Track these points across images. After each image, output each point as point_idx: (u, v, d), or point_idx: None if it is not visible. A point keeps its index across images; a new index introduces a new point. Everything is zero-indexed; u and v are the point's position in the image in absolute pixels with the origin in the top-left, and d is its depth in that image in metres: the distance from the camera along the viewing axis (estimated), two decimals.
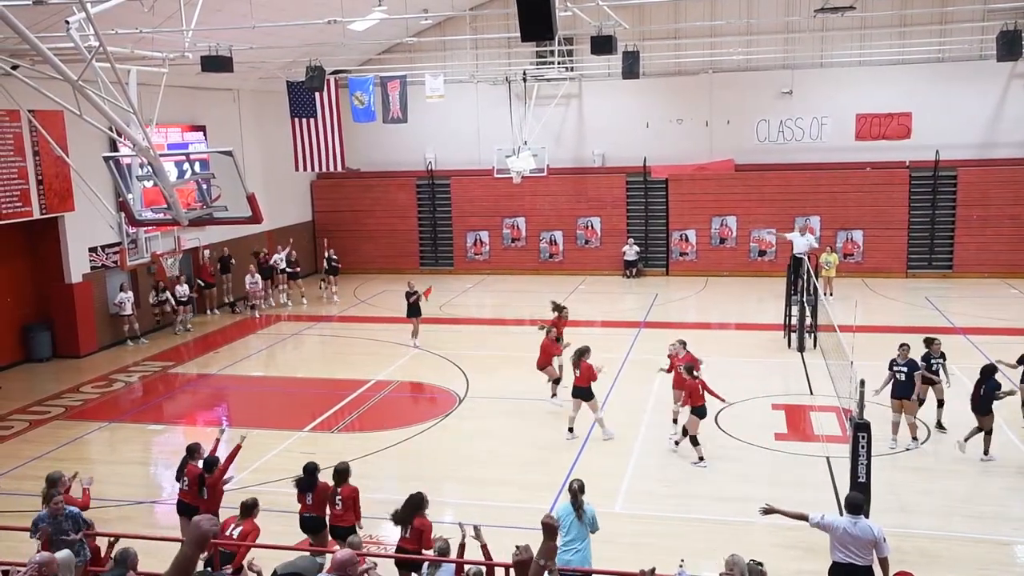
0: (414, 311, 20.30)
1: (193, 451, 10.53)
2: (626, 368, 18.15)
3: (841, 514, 8.63)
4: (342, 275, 27.57)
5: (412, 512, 8.96)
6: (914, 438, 13.52)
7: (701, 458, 13.00)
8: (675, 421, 14.07)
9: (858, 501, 8.46)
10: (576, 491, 8.87)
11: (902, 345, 13.64)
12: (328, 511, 9.84)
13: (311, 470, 9.99)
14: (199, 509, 10.07)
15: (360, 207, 31.03)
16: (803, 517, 8.47)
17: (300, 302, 25.92)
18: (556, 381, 15.77)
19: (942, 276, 27.13)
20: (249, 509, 9.35)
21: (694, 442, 13.07)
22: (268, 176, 27.23)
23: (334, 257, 26.72)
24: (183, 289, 22.63)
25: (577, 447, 13.82)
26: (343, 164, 25.96)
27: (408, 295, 20.32)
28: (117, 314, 21.53)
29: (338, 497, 9.73)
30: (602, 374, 14.38)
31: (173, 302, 22.47)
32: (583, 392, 14.06)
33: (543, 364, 15.72)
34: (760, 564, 7.84)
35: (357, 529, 9.71)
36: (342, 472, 9.87)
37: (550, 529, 6.38)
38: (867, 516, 8.39)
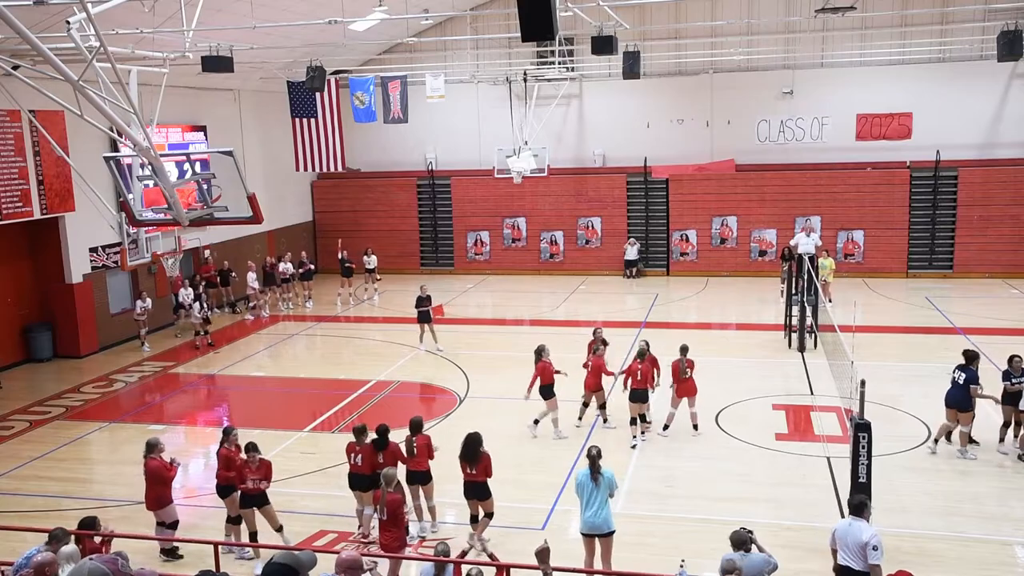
0: (424, 316, 20.24)
1: (228, 433, 11.01)
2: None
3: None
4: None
5: (477, 448, 10.36)
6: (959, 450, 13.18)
7: (635, 436, 13.92)
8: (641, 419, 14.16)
9: (857, 502, 8.42)
10: (595, 457, 9.45)
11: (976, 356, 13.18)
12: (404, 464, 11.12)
13: (383, 431, 11.03)
14: (233, 488, 10.77)
15: (361, 207, 31.05)
16: (834, 552, 8.44)
17: (303, 305, 25.89)
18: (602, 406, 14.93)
19: (943, 276, 27.13)
20: (360, 433, 10.95)
21: (634, 423, 13.98)
22: (269, 176, 27.26)
23: (348, 259, 26.42)
24: (187, 292, 22.51)
25: (578, 447, 13.81)
26: (343, 164, 25.98)
27: (420, 300, 20.19)
28: (136, 319, 21.50)
29: (414, 446, 11.02)
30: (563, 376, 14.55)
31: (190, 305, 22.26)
32: (546, 391, 14.23)
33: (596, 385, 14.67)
34: (750, 532, 7.94)
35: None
36: (417, 424, 11.17)
37: (541, 554, 7.47)
38: (867, 518, 8.33)
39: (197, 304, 21.57)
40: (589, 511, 9.34)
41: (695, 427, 14.16)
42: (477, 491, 10.50)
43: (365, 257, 26.61)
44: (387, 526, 9.61)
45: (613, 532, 9.43)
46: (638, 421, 13.98)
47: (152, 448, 10.66)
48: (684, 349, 14.33)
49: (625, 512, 11.45)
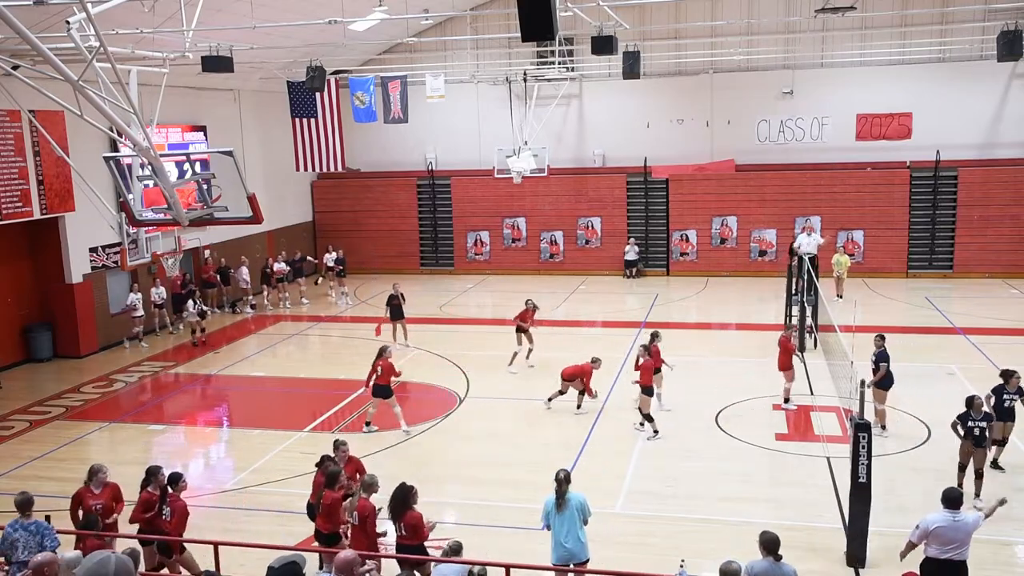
0: (397, 313, 20.42)
1: (153, 473, 9.90)
2: (627, 368, 18.12)
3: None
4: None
5: (400, 507, 8.81)
6: (882, 426, 13.75)
7: (656, 431, 14.06)
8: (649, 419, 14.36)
9: (955, 495, 8.34)
10: (561, 481, 8.75)
11: (879, 336, 13.99)
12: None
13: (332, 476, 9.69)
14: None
15: (360, 207, 31.05)
16: (911, 547, 8.53)
17: (300, 303, 25.95)
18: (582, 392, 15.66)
19: (942, 276, 27.13)
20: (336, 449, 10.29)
21: (649, 419, 14.10)
22: (268, 176, 27.26)
23: (342, 259, 26.69)
24: (159, 292, 22.43)
25: (578, 447, 13.82)
26: (343, 164, 25.98)
27: (391, 298, 20.43)
28: (130, 315, 21.42)
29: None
30: (399, 378, 15.11)
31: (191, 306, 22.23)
32: (383, 390, 14.52)
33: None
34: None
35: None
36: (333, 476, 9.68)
37: None
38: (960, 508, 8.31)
39: (191, 302, 21.59)
40: (559, 539, 8.63)
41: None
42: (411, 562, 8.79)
43: (327, 255, 27.05)
44: (356, 534, 9.08)
45: (587, 561, 8.70)
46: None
47: (94, 474, 9.68)
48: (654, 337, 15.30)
49: (625, 512, 11.46)
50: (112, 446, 15.22)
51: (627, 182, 29.20)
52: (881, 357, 13.73)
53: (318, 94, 23.92)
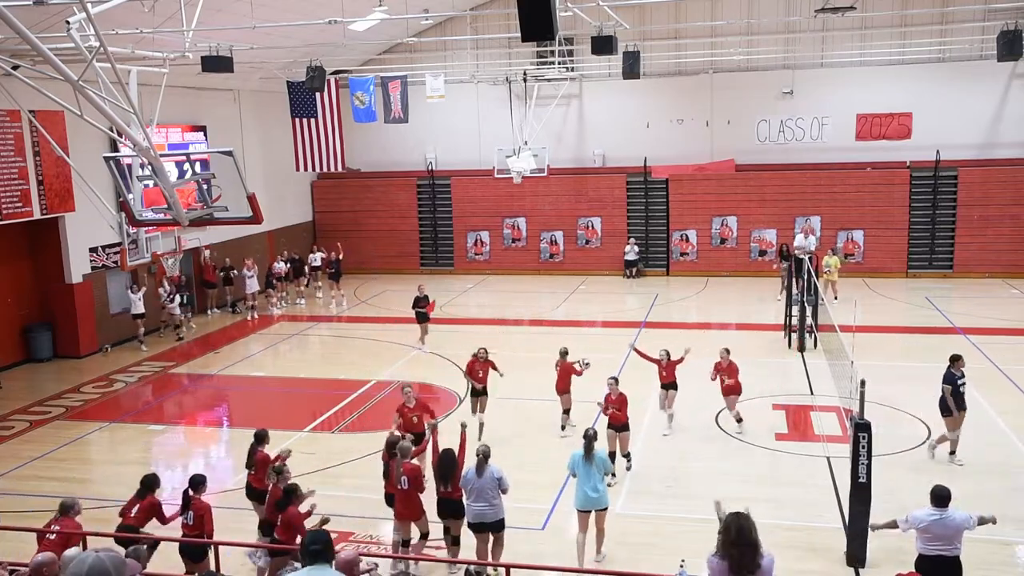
0: (422, 316, 20.29)
1: (261, 437, 10.90)
2: (626, 369, 18.10)
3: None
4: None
5: (451, 468, 9.82)
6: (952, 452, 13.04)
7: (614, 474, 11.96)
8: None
9: (944, 493, 8.36)
10: (591, 438, 9.96)
11: (959, 358, 12.94)
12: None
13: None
14: (266, 493, 10.16)
15: (360, 207, 31.05)
16: (893, 525, 8.81)
17: (295, 303, 25.96)
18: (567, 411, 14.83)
19: (942, 276, 27.13)
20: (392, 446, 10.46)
21: (614, 457, 12.34)
22: (268, 176, 27.25)
23: (334, 261, 26.70)
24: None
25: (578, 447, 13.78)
26: (343, 164, 25.99)
27: (417, 300, 20.24)
28: (128, 312, 21.36)
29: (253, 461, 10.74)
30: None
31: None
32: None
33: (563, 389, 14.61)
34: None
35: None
36: (260, 436, 10.92)
37: None
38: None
39: (178, 296, 21.58)
40: (587, 487, 9.76)
41: None
42: (454, 509, 9.97)
43: (311, 255, 27.09)
44: (409, 496, 9.87)
45: (607, 508, 9.92)
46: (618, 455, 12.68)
47: (67, 510, 9.09)
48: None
49: (625, 512, 11.45)
50: (112, 446, 15.23)
51: (627, 182, 29.20)
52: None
53: (318, 94, 23.92)
